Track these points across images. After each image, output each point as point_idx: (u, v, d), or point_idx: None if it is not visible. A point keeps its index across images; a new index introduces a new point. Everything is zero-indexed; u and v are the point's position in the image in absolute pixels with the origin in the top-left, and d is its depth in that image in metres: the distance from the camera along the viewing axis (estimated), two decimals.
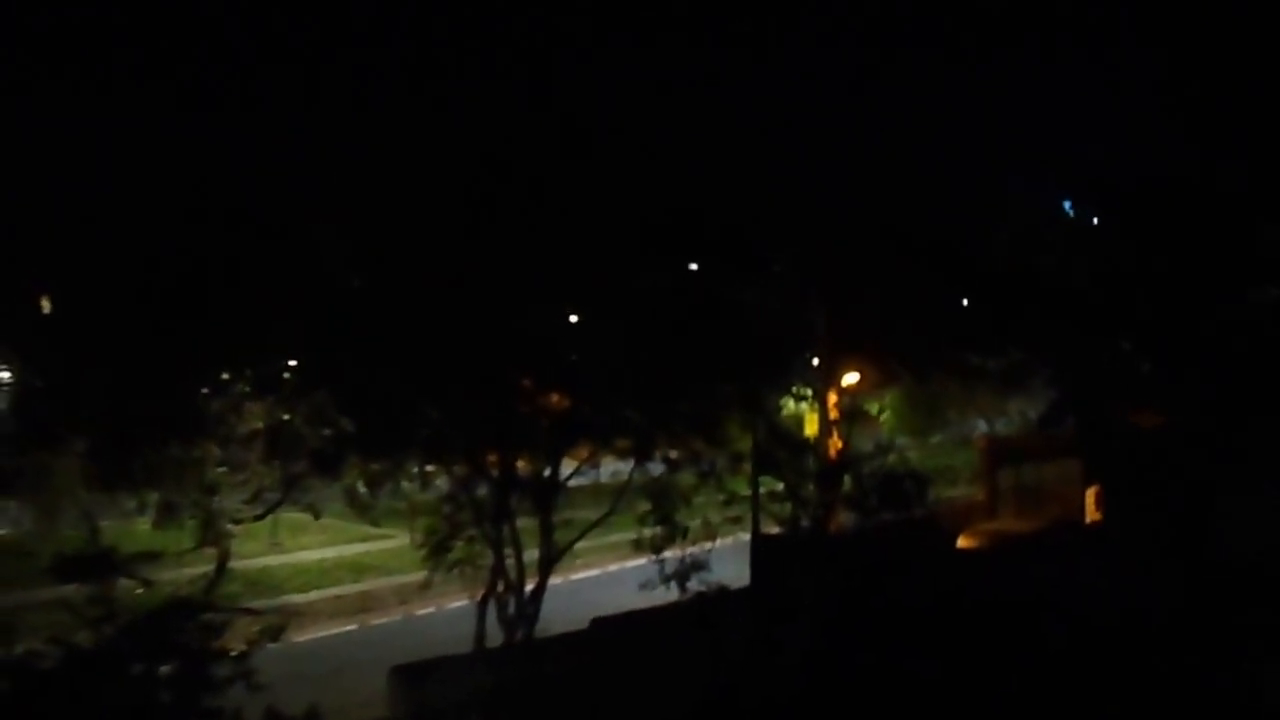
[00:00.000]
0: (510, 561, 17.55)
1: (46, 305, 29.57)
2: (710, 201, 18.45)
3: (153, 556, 9.01)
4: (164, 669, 8.23)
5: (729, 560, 17.80)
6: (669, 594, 16.74)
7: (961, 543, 26.88)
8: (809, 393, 31.77)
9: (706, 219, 17.49)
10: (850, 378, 32.13)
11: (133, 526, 22.82)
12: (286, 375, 20.32)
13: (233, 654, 8.71)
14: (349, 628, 24.44)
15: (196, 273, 20.58)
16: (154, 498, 22.41)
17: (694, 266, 17.71)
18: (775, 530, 17.90)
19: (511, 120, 17.30)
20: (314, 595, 26.61)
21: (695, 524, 17.75)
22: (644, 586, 16.86)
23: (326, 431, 20.53)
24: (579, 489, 18.88)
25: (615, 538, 23.40)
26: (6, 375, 30.72)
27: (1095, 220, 28.63)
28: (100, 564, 8.23)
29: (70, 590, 8.41)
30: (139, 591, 8.68)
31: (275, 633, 10.43)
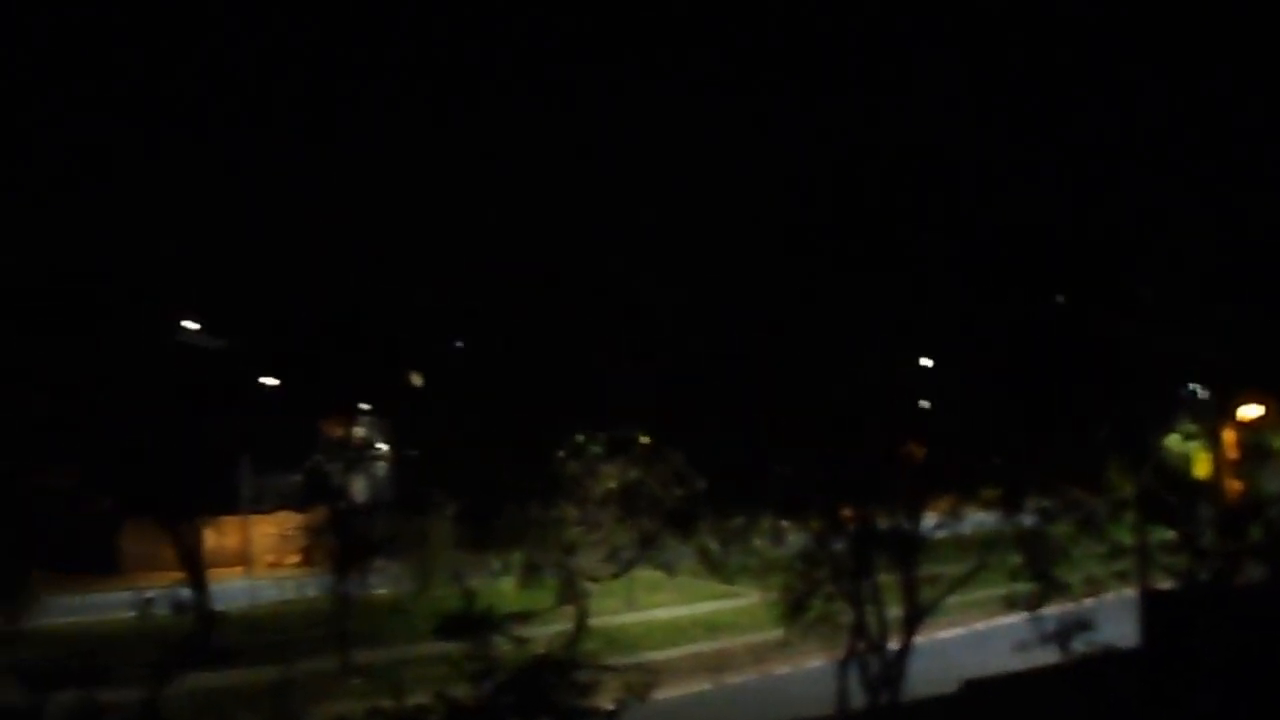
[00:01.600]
0: (871, 619, 16.76)
1: (418, 380, 32.05)
2: (1078, 226, 17.10)
3: (524, 616, 9.23)
4: None
5: (1111, 618, 16.24)
6: (1044, 655, 15.43)
7: None
8: (1196, 429, 29.03)
9: (1075, 246, 16.15)
10: (1249, 410, 29.01)
11: (497, 585, 23.87)
12: (640, 436, 20.77)
13: (603, 711, 8.72)
14: (705, 687, 24.34)
15: (549, 341, 21.46)
16: (516, 558, 23.46)
17: (1061, 299, 16.39)
18: (1168, 585, 16.23)
19: (846, 150, 16.78)
20: (670, 653, 26.76)
21: (1074, 579, 16.34)
22: (1020, 647, 15.60)
23: (679, 490, 20.80)
24: (940, 542, 17.87)
25: (981, 594, 22.05)
26: (386, 448, 33.50)
27: None
28: (480, 623, 8.50)
29: (444, 646, 8.69)
30: (506, 648, 8.87)
31: (642, 691, 10.40)
